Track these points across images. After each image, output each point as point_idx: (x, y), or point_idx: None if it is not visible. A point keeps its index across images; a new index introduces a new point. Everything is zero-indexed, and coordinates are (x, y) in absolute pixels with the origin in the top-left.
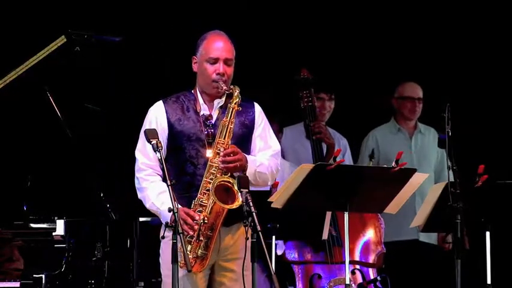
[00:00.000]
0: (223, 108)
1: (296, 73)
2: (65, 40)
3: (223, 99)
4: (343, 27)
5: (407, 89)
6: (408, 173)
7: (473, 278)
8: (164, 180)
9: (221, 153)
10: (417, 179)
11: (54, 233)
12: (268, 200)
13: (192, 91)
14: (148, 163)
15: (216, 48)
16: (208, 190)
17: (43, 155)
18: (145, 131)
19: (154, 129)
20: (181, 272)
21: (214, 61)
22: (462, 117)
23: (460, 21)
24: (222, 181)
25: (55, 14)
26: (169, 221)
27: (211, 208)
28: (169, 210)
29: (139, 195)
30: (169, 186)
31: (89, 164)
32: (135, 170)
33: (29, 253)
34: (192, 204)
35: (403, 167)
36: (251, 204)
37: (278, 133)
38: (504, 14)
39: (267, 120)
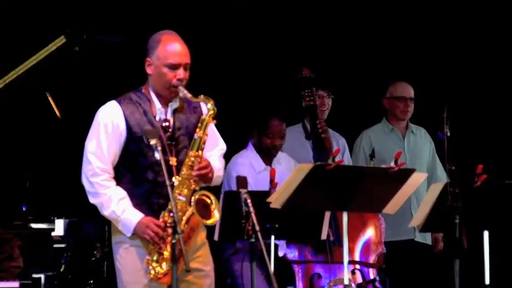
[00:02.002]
0: (179, 112)
1: (297, 72)
2: (65, 40)
3: (177, 101)
4: (342, 27)
5: (399, 89)
6: (407, 173)
7: (471, 277)
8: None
9: (196, 167)
10: (416, 179)
11: (53, 233)
12: (267, 200)
13: (143, 91)
14: (104, 167)
15: (176, 54)
16: (178, 201)
17: (42, 155)
18: (145, 131)
19: (155, 129)
20: (145, 279)
21: (175, 67)
22: (461, 118)
23: (458, 21)
24: (202, 195)
25: (54, 14)
26: (131, 228)
27: (187, 221)
28: (169, 211)
29: (94, 201)
30: (169, 187)
31: None
32: (88, 173)
33: (28, 253)
34: (161, 215)
35: (402, 167)
36: (250, 204)
37: (282, 131)
38: (502, 14)
39: None
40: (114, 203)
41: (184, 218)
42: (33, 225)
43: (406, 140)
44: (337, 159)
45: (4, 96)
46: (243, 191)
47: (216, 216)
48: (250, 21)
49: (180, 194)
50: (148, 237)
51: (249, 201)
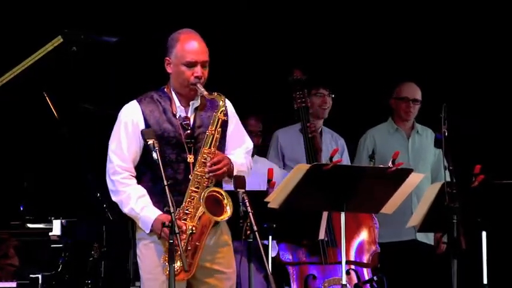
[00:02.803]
0: (200, 110)
1: (289, 74)
2: (62, 40)
3: (199, 100)
4: (342, 25)
5: (404, 89)
6: (405, 173)
7: (469, 278)
8: (161, 180)
9: (208, 163)
10: (413, 179)
11: (50, 233)
12: (265, 200)
13: (165, 90)
14: (124, 165)
15: (193, 52)
16: (193, 199)
17: (40, 155)
18: (142, 131)
19: (152, 130)
20: (163, 276)
21: (192, 65)
22: (459, 117)
23: (458, 21)
24: (213, 192)
25: (52, 14)
26: (149, 226)
27: (199, 218)
28: (167, 211)
29: (115, 199)
30: (167, 186)
31: (85, 164)
32: (110, 172)
33: (25, 253)
34: (176, 212)
35: (399, 167)
36: (247, 204)
37: (258, 129)
38: (502, 14)
39: (237, 116)
40: (133, 200)
41: (197, 215)
42: (31, 225)
43: (411, 140)
44: (335, 159)
45: (1, 97)
46: (240, 190)
47: (228, 212)
48: (252, 21)
49: (194, 191)
50: (163, 234)
51: (246, 201)
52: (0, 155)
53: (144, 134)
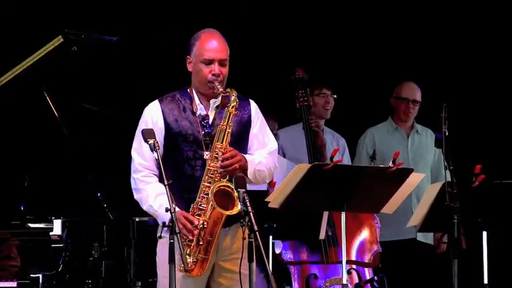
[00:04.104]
0: (220, 109)
1: (291, 73)
2: (62, 40)
3: (219, 98)
4: (343, 25)
5: (404, 89)
6: (405, 173)
7: (470, 278)
8: (161, 180)
9: (220, 158)
10: (414, 179)
11: (51, 233)
12: (266, 199)
13: (188, 90)
14: (145, 164)
15: (211, 49)
16: (207, 194)
17: (40, 155)
18: (142, 131)
19: (152, 129)
20: (177, 273)
21: (209, 62)
22: (460, 117)
23: (458, 21)
24: (222, 186)
25: (52, 14)
26: (166, 222)
27: (211, 213)
28: (166, 210)
29: (136, 196)
30: (167, 186)
31: (86, 163)
32: (132, 170)
33: (26, 253)
34: (191, 208)
35: (400, 167)
36: (248, 203)
37: (273, 131)
38: (502, 14)
39: (263, 117)
40: (151, 198)
41: (209, 210)
42: (32, 225)
43: (410, 139)
44: (336, 159)
45: (1, 96)
46: (241, 190)
47: (239, 205)
48: (253, 21)
49: (207, 186)
50: (184, 231)
51: (247, 200)
52: (0, 155)
53: (144, 134)
